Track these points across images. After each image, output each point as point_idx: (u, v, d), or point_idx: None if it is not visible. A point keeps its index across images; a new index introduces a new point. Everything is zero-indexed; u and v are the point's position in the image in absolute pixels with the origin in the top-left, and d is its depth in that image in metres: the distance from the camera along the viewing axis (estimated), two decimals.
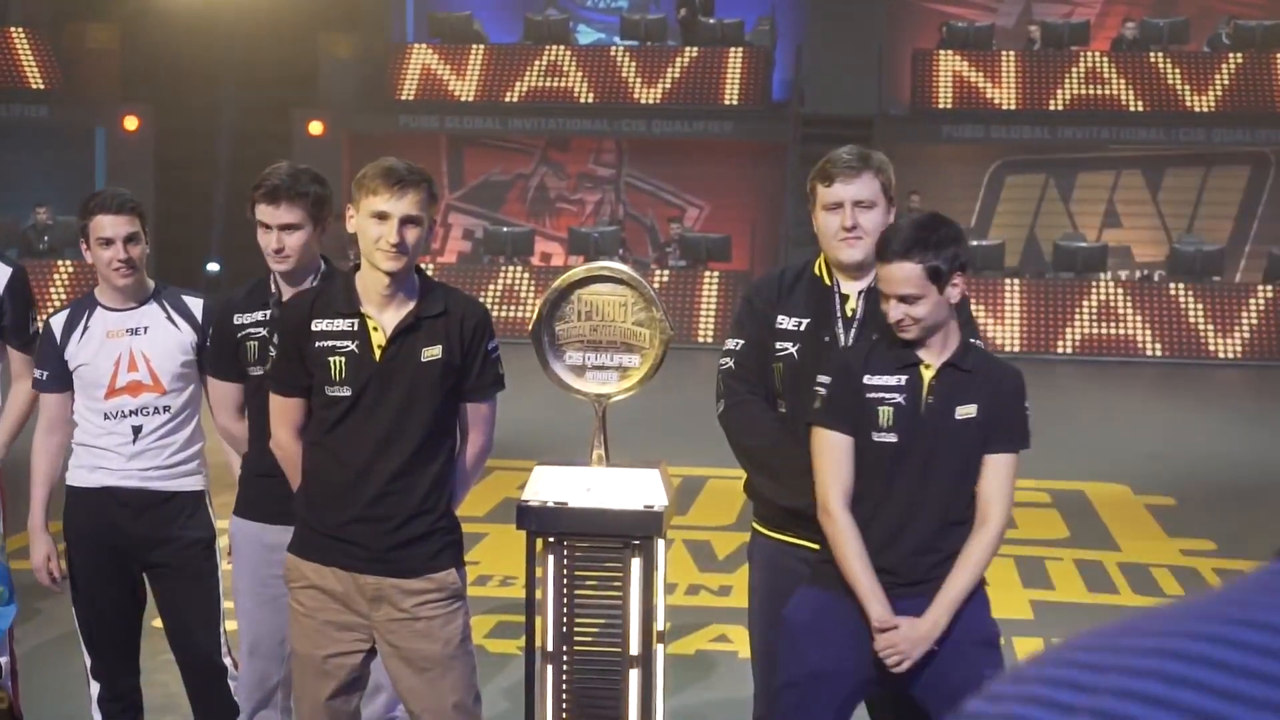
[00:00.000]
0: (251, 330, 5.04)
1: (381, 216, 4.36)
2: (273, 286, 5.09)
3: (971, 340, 4.50)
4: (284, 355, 4.57)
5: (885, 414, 4.36)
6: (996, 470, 4.40)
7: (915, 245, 4.26)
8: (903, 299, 4.28)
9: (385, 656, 4.55)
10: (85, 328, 5.32)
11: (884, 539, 4.36)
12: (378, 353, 4.43)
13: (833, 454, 4.41)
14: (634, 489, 4.74)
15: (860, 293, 4.67)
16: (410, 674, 4.51)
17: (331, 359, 4.44)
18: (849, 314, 4.66)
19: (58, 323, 5.36)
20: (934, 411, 4.37)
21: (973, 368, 4.40)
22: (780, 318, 4.70)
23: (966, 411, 4.37)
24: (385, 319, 4.46)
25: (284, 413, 4.57)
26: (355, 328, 4.44)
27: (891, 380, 4.38)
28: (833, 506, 4.38)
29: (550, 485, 4.82)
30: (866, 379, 4.39)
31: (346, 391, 4.42)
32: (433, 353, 4.47)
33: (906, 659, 4.31)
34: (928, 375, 4.38)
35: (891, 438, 4.36)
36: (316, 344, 4.45)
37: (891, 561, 4.35)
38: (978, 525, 4.38)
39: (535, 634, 4.79)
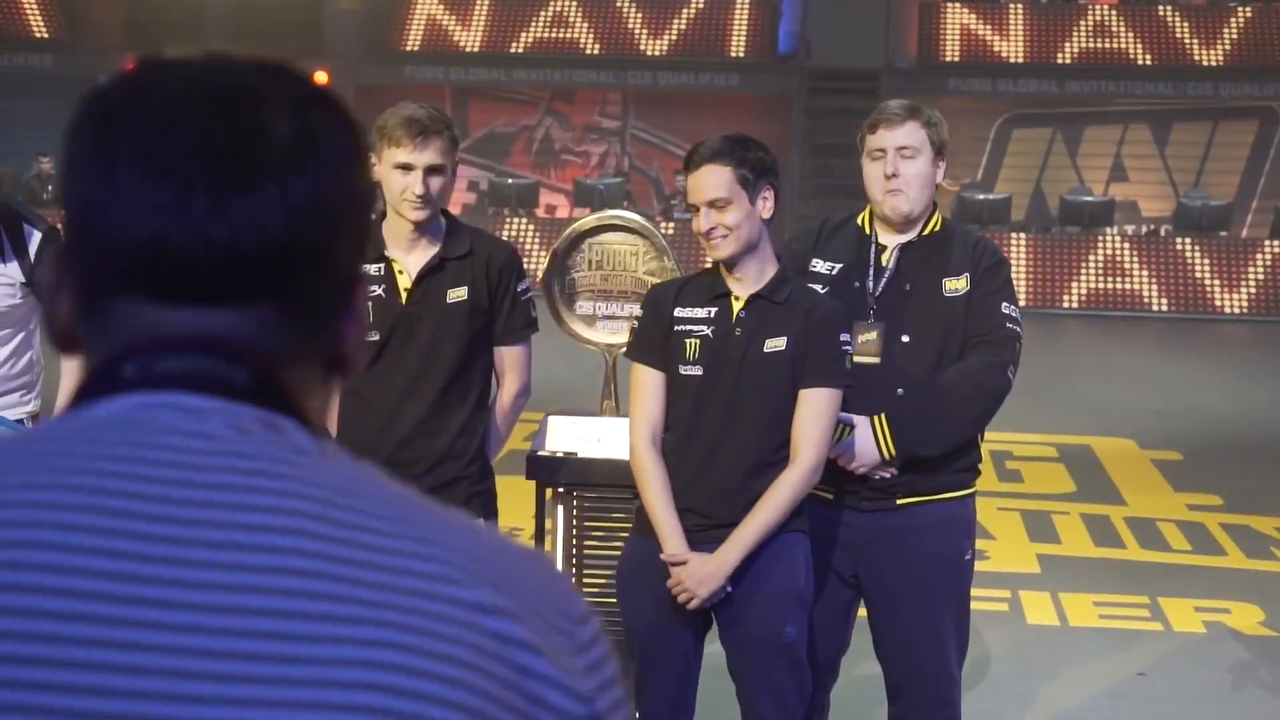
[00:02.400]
0: None
1: (406, 168, 4.35)
2: None
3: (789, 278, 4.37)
4: None
5: (691, 346, 4.29)
6: (809, 406, 4.24)
7: (723, 151, 4.22)
8: (712, 204, 4.21)
9: None
10: None
11: (691, 476, 4.26)
12: (403, 295, 4.42)
13: (641, 390, 4.35)
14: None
15: (898, 245, 4.63)
16: None
17: None
18: (882, 264, 4.63)
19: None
20: (738, 345, 4.26)
21: (786, 300, 4.27)
22: (815, 261, 4.66)
23: (775, 344, 4.25)
24: (410, 262, 4.45)
25: None
26: (381, 272, 4.43)
27: (700, 312, 4.30)
28: (636, 441, 4.32)
29: (560, 435, 4.80)
30: (677, 311, 4.31)
31: (374, 336, 4.40)
32: (458, 294, 4.45)
33: (695, 596, 4.21)
34: (737, 306, 4.29)
35: (697, 370, 4.28)
36: None
37: (700, 501, 4.25)
38: (789, 464, 4.24)
39: None
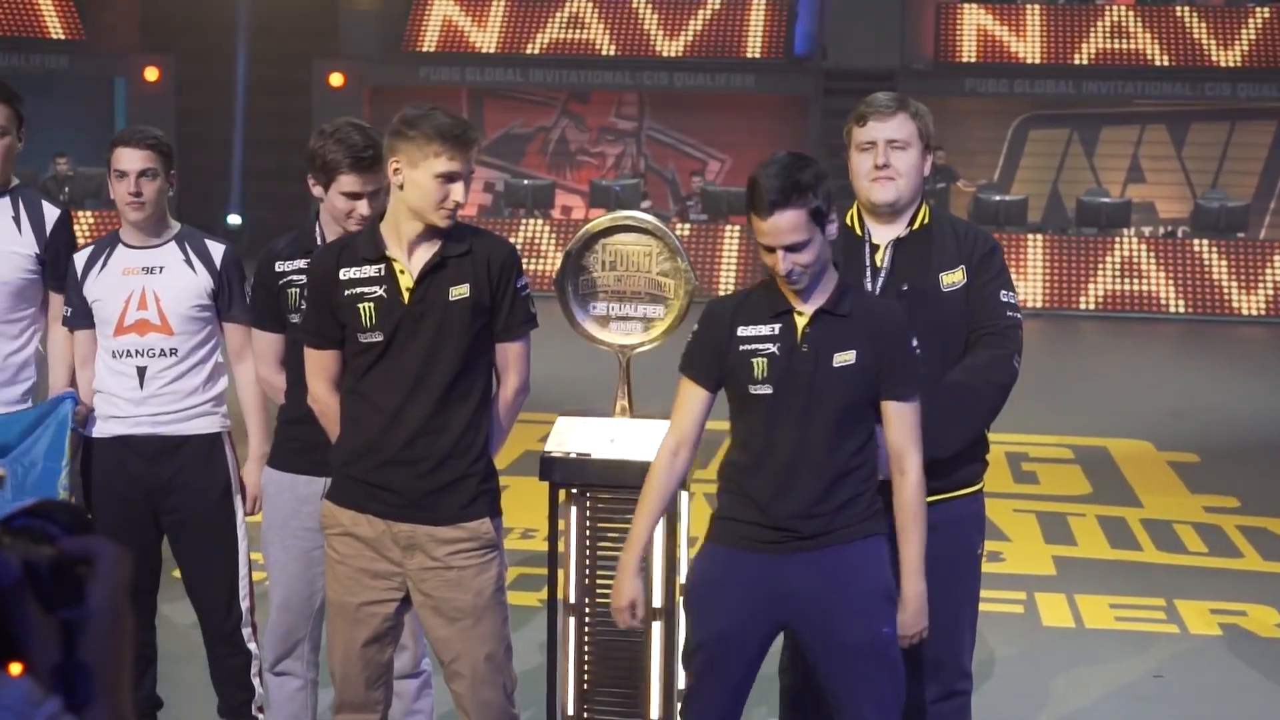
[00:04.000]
0: (294, 277, 4.96)
1: (450, 177, 4.34)
2: (319, 236, 5.03)
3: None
4: (314, 306, 4.54)
5: (760, 366, 4.26)
6: (899, 421, 4.27)
7: (793, 191, 4.15)
8: (790, 249, 4.17)
9: (418, 606, 4.51)
10: (104, 264, 5.30)
11: (772, 493, 4.25)
12: (406, 295, 4.40)
13: (683, 403, 4.38)
14: (658, 440, 4.71)
15: (890, 243, 4.62)
16: (442, 624, 4.47)
17: (361, 305, 4.41)
18: (878, 264, 4.62)
19: (80, 258, 5.37)
20: (807, 361, 4.23)
21: (849, 312, 4.25)
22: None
23: (844, 358, 4.22)
24: (412, 262, 4.43)
25: (320, 365, 4.54)
26: (382, 273, 4.41)
27: (764, 330, 4.27)
28: (662, 449, 4.37)
29: (573, 436, 4.79)
30: (740, 330, 4.29)
31: (378, 337, 4.40)
32: (460, 291, 4.43)
33: (919, 633, 4.30)
34: (801, 322, 4.26)
35: (767, 389, 4.25)
36: (345, 292, 4.43)
37: (784, 517, 4.23)
38: (896, 480, 4.28)
39: (557, 586, 4.77)
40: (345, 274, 4.44)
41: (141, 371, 5.23)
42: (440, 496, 4.44)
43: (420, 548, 4.45)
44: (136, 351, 5.23)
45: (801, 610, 4.26)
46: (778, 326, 4.26)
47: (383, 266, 4.42)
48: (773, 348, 4.25)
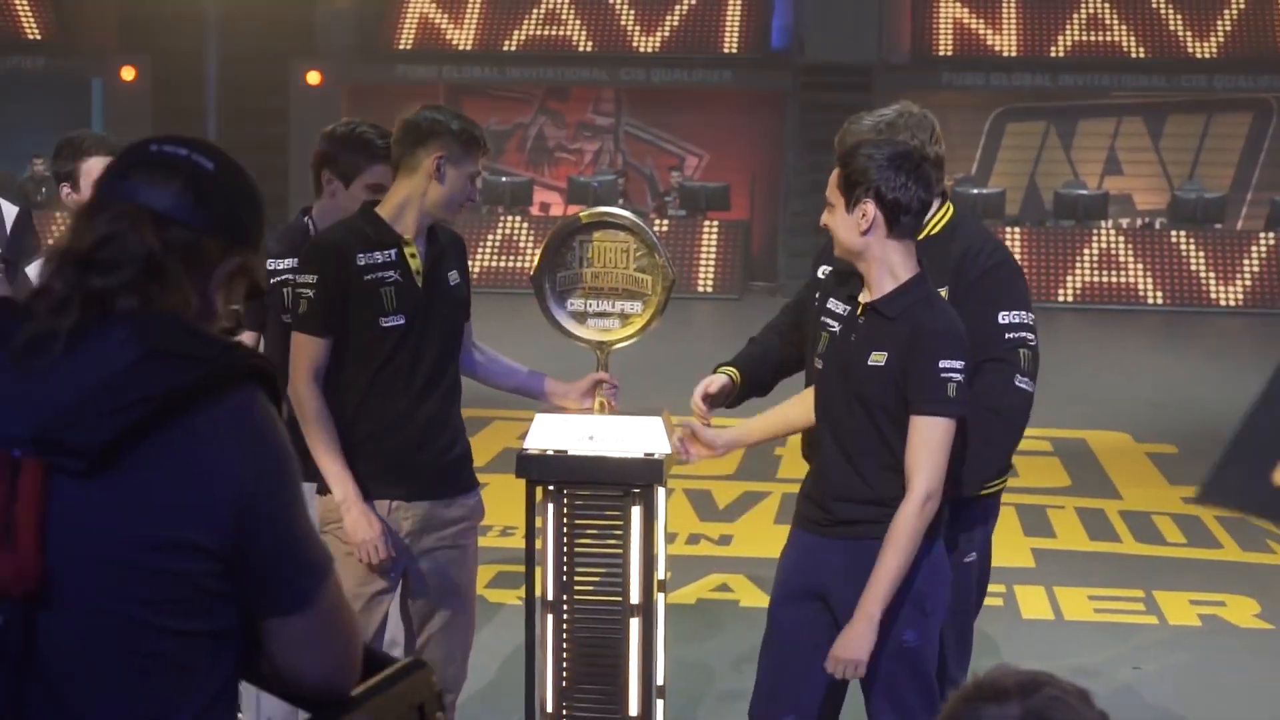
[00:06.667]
0: (287, 276, 4.94)
1: (474, 177, 4.65)
2: (313, 231, 5.06)
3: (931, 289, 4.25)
4: (326, 295, 4.56)
5: (824, 340, 4.32)
6: (913, 434, 4.11)
7: (851, 155, 4.21)
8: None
9: (414, 595, 4.68)
10: None
11: (817, 469, 4.38)
12: (419, 279, 4.60)
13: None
14: (636, 436, 4.71)
15: None
16: (434, 612, 4.72)
17: (382, 290, 4.55)
18: None
19: (33, 272, 5.29)
20: (848, 353, 4.21)
21: (897, 314, 4.14)
22: (823, 267, 4.68)
23: (878, 359, 4.14)
24: (417, 248, 4.63)
25: (312, 356, 4.57)
26: (394, 257, 4.58)
27: (840, 309, 4.29)
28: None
29: (551, 433, 4.78)
30: (829, 303, 4.34)
31: (400, 320, 4.57)
32: (455, 276, 4.71)
33: (852, 664, 4.13)
34: (859, 313, 4.24)
35: (819, 365, 4.34)
36: (366, 277, 4.55)
37: (821, 495, 4.31)
38: (905, 497, 4.12)
39: (535, 583, 4.76)
40: (362, 259, 4.56)
41: None
42: (456, 469, 4.72)
43: (431, 527, 4.65)
44: None
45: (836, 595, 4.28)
46: (847, 310, 4.27)
47: (394, 252, 4.58)
48: (836, 327, 4.29)
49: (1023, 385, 4.49)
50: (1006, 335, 4.49)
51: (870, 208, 4.12)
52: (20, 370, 2.10)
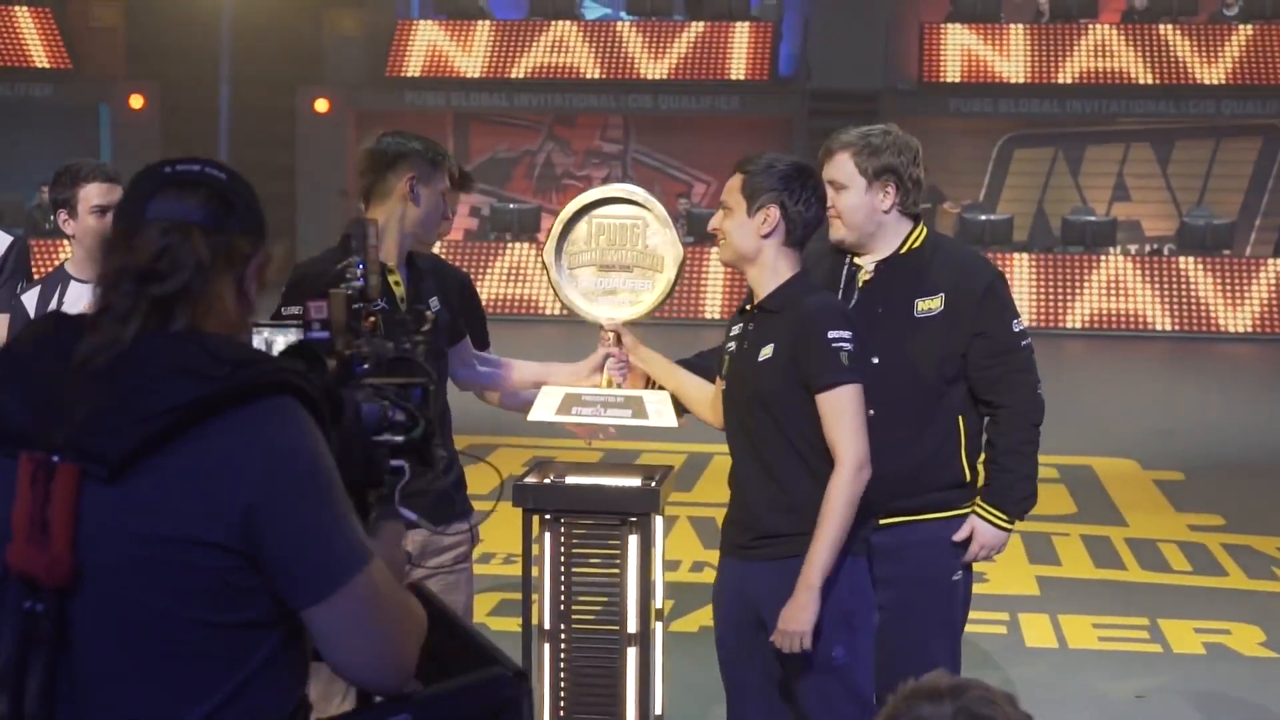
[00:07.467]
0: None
1: (445, 194, 4.67)
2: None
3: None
4: None
5: (726, 363, 4.44)
6: (824, 410, 4.20)
7: (743, 162, 4.38)
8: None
9: None
10: (59, 302, 5.25)
11: (734, 497, 4.43)
12: (403, 306, 4.56)
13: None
14: (640, 406, 4.77)
15: (875, 264, 4.69)
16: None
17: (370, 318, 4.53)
18: (856, 284, 4.66)
19: (30, 300, 5.29)
20: (742, 359, 4.36)
21: (780, 306, 4.30)
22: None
23: (765, 353, 4.28)
24: (400, 275, 4.62)
25: None
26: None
27: (735, 329, 4.45)
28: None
29: (557, 403, 4.83)
30: (731, 331, 4.47)
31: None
32: (435, 302, 4.67)
33: (798, 635, 4.16)
34: (750, 323, 4.39)
35: (724, 386, 4.43)
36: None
37: (741, 519, 4.37)
38: (834, 471, 4.20)
39: (532, 612, 4.76)
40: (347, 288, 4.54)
41: None
42: (454, 493, 4.70)
43: (430, 552, 4.67)
44: None
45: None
46: (740, 325, 4.43)
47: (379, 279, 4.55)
48: (732, 345, 4.44)
49: (1042, 393, 4.83)
50: (1021, 344, 4.76)
51: (774, 213, 4.28)
52: (77, 380, 2.29)
